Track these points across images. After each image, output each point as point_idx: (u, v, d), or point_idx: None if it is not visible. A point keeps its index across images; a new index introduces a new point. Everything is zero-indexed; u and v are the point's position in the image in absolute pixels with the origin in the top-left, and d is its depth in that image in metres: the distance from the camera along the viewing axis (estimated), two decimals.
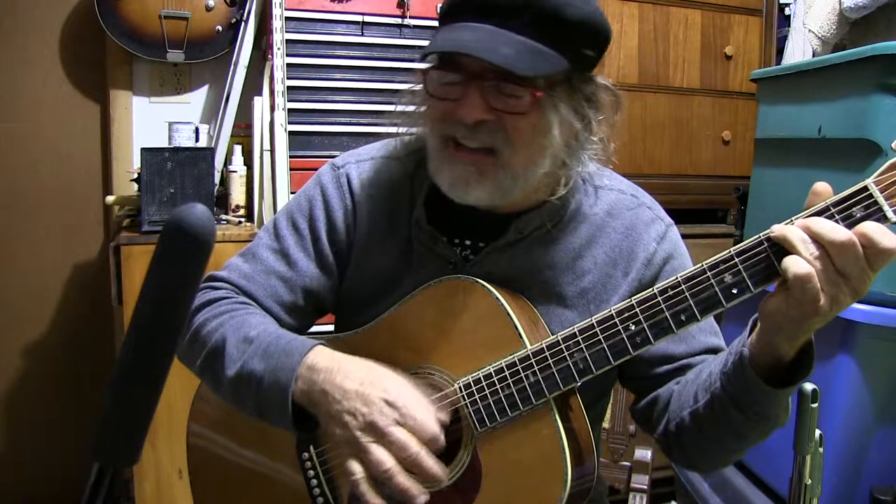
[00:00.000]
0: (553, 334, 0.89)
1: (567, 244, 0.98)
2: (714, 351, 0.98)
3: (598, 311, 0.86)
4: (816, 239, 0.72)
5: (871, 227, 0.71)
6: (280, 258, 1.03)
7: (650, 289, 0.82)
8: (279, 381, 0.89)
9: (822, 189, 0.75)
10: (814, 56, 2.41)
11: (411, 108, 0.98)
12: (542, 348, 0.86)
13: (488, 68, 0.84)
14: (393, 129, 1.01)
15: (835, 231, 0.71)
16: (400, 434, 0.84)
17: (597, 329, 0.84)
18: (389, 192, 1.03)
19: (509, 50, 0.83)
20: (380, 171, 1.04)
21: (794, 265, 0.72)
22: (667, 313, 0.81)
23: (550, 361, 0.86)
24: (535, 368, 0.86)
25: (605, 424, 1.45)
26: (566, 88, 0.90)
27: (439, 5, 0.92)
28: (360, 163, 1.06)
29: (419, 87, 0.95)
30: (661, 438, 0.97)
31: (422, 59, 0.90)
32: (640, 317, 0.82)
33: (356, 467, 0.86)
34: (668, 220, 1.03)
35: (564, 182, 0.95)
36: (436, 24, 2.27)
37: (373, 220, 1.03)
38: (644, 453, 1.45)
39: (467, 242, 1.00)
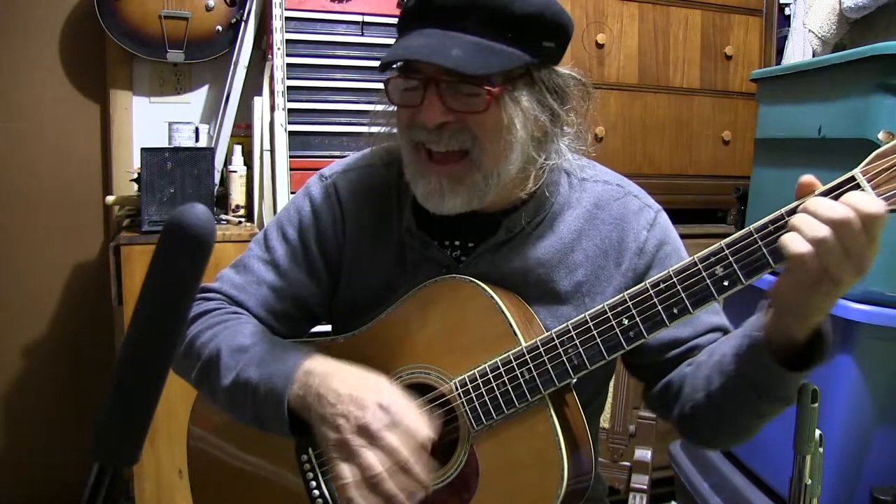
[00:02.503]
0: (548, 331, 0.90)
1: (557, 239, 0.99)
2: (718, 328, 0.99)
3: (593, 304, 0.87)
4: (819, 219, 0.72)
5: (855, 196, 0.73)
6: (270, 268, 1.04)
7: (642, 283, 0.83)
8: (275, 388, 0.90)
9: (809, 181, 0.76)
10: (814, 56, 2.41)
11: (384, 112, 0.99)
12: (537, 345, 0.87)
13: (442, 71, 0.85)
14: (388, 131, 1.02)
15: (834, 209, 0.72)
16: (392, 439, 0.84)
17: (590, 324, 0.85)
18: (377, 201, 1.04)
19: (458, 51, 0.84)
20: (367, 180, 1.05)
21: (791, 244, 0.73)
22: (659, 307, 0.82)
23: (545, 358, 0.86)
24: (530, 365, 0.87)
25: (605, 424, 1.45)
26: (527, 82, 0.90)
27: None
28: (347, 172, 1.06)
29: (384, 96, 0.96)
30: (677, 421, 0.97)
31: (381, 71, 0.91)
32: (633, 311, 0.83)
33: (346, 471, 0.85)
34: (657, 206, 1.03)
35: (543, 174, 0.96)
36: None
37: (362, 228, 1.03)
38: (644, 453, 1.45)
39: (457, 243, 1.00)
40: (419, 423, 0.86)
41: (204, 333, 0.98)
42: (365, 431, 0.85)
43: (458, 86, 0.86)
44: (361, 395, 0.86)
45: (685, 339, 0.97)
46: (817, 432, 0.86)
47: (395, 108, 0.95)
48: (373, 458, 0.84)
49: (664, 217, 1.03)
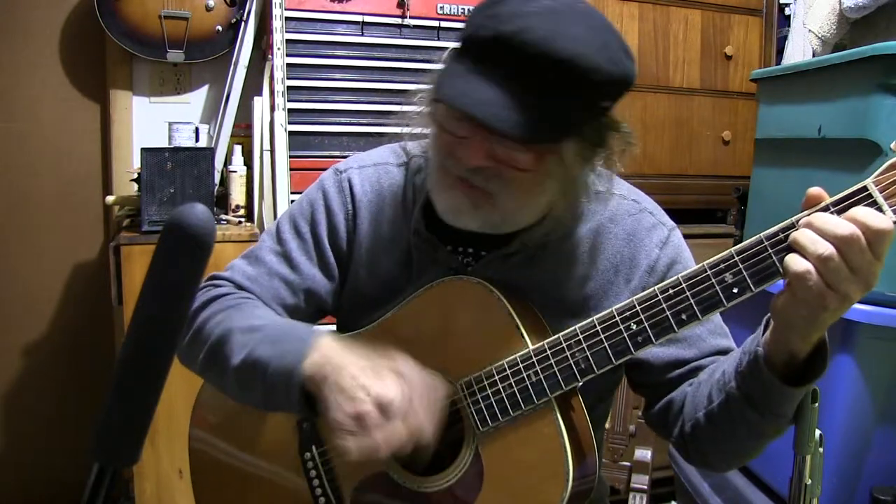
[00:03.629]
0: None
1: (568, 251, 0.98)
2: (724, 352, 0.98)
3: None
4: (823, 235, 0.71)
5: (862, 211, 0.71)
6: (283, 260, 1.04)
7: (651, 288, 0.82)
8: (287, 365, 0.88)
9: (816, 193, 0.75)
10: (814, 56, 2.41)
11: (416, 110, 0.96)
12: (544, 347, 0.87)
13: None
14: (394, 131, 1.01)
15: (840, 226, 0.71)
16: (413, 407, 0.84)
17: (598, 328, 0.84)
18: (390, 199, 1.03)
19: (517, 115, 0.80)
20: (381, 178, 1.05)
21: (793, 264, 0.72)
22: (668, 313, 0.81)
23: (552, 361, 0.86)
24: (537, 368, 0.86)
25: (606, 424, 1.45)
26: (576, 141, 0.87)
27: (467, 22, 0.87)
28: (362, 168, 1.06)
29: (425, 91, 0.92)
30: (678, 441, 0.96)
31: (432, 90, 0.88)
32: (642, 316, 0.82)
33: (369, 443, 0.84)
34: (671, 223, 1.02)
35: (568, 207, 0.95)
36: (435, 24, 2.26)
37: (374, 225, 1.03)
38: (644, 453, 1.45)
39: (470, 251, 1.00)
40: (435, 386, 0.86)
41: (215, 317, 0.97)
42: (385, 404, 0.84)
43: (506, 140, 0.83)
44: (376, 367, 0.86)
45: (689, 360, 0.96)
46: (817, 432, 0.86)
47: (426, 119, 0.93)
48: (396, 427, 0.83)
49: (677, 235, 1.02)
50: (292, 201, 1.10)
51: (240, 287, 1.03)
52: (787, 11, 2.61)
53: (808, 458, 0.86)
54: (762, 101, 2.02)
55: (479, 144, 0.85)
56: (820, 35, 2.40)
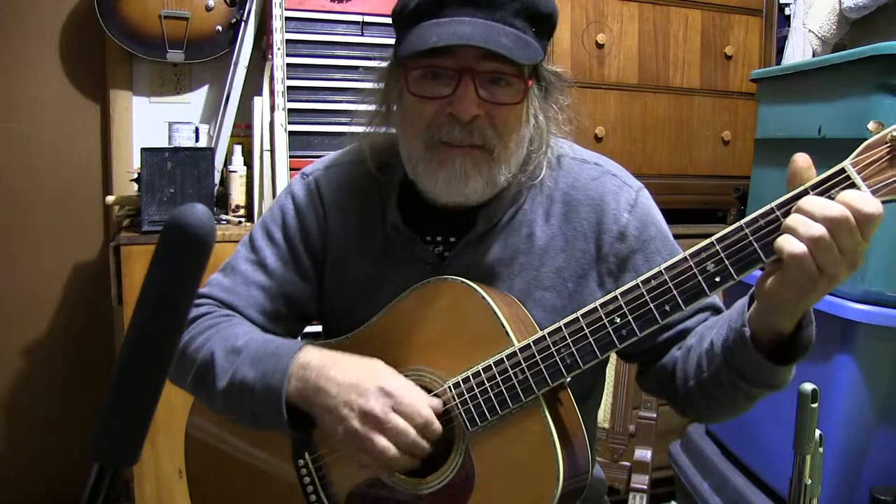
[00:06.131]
0: (538, 324, 0.90)
1: (536, 226, 0.98)
2: (709, 308, 0.98)
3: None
4: (814, 218, 0.72)
5: (851, 195, 0.72)
6: (258, 268, 1.04)
7: (633, 281, 0.83)
8: (271, 385, 0.90)
9: (803, 165, 0.76)
10: (814, 56, 2.41)
11: (377, 108, 0.99)
12: (529, 345, 0.86)
13: (482, 60, 0.85)
14: (393, 131, 1.01)
15: (830, 207, 0.72)
16: (398, 421, 0.85)
17: (582, 323, 0.84)
18: (359, 197, 1.03)
19: (506, 40, 0.84)
20: (348, 177, 1.05)
21: (789, 245, 0.72)
22: (651, 305, 0.81)
23: (538, 358, 0.86)
24: (523, 365, 0.86)
25: (605, 424, 1.45)
26: (536, 77, 0.93)
27: (399, 5, 0.93)
28: (328, 169, 1.07)
29: (381, 85, 0.98)
30: (673, 404, 0.98)
31: (403, 58, 0.90)
32: (625, 309, 0.83)
33: (364, 459, 0.88)
34: (637, 184, 1.01)
35: (525, 164, 0.97)
36: None
37: (345, 225, 1.03)
38: (644, 453, 1.45)
39: (439, 239, 1.00)
40: (420, 400, 0.87)
41: (196, 339, 0.98)
42: (370, 417, 0.85)
43: (495, 77, 0.87)
44: (360, 382, 0.87)
45: (676, 322, 0.96)
46: (817, 432, 0.86)
47: (402, 105, 0.94)
48: (385, 442, 0.85)
49: (645, 196, 1.00)
50: None
51: (219, 301, 1.03)
52: (787, 11, 2.61)
53: (808, 458, 0.86)
54: (762, 101, 2.02)
55: (469, 92, 0.87)
56: (820, 35, 2.40)
